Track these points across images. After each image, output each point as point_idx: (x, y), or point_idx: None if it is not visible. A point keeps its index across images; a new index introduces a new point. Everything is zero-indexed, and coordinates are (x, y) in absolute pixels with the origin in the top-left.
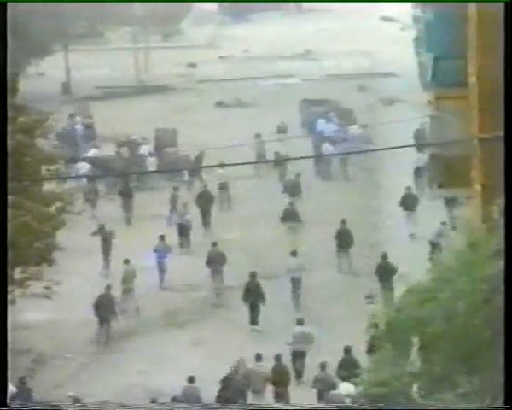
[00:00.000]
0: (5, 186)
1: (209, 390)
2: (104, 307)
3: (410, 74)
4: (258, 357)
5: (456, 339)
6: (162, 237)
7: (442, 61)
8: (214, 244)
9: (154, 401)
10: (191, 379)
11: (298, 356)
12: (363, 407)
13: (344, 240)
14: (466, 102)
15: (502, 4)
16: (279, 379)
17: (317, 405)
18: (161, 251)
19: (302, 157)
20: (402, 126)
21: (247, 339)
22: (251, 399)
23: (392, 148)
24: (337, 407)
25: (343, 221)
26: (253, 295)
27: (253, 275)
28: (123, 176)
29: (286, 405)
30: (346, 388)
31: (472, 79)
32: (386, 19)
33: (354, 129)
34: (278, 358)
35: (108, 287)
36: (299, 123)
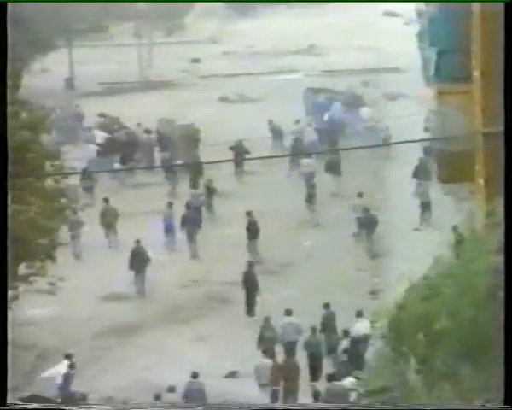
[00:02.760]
0: (5, 184)
1: (213, 386)
2: (137, 259)
3: (414, 69)
4: (265, 351)
5: (460, 335)
6: (170, 204)
7: (445, 56)
8: (188, 207)
9: (157, 397)
10: (195, 375)
11: (289, 347)
12: (363, 407)
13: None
14: (469, 97)
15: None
16: (288, 374)
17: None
18: (168, 218)
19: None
20: (405, 121)
21: (251, 334)
22: (259, 393)
23: (396, 143)
24: (337, 405)
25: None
26: (250, 284)
27: (250, 264)
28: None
29: (286, 404)
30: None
31: (476, 74)
32: (389, 13)
33: (364, 112)
34: (285, 354)
35: (138, 241)
36: (304, 113)
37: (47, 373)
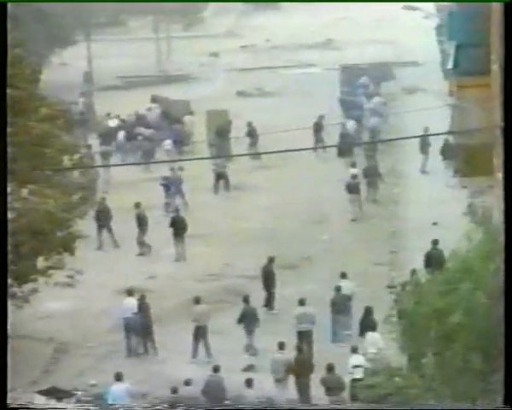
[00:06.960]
0: (5, 182)
1: (230, 379)
2: (102, 214)
3: (433, 63)
4: (281, 346)
5: (476, 330)
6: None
7: (464, 50)
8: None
9: (174, 391)
10: (216, 369)
11: (304, 336)
12: (363, 407)
13: None
14: (488, 91)
15: None
16: (301, 370)
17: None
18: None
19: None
20: (423, 115)
21: (268, 328)
22: (273, 387)
23: (414, 137)
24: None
25: None
26: (269, 280)
27: (270, 260)
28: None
29: (306, 404)
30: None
31: (494, 68)
32: (408, 7)
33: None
34: (300, 348)
35: (104, 199)
36: (338, 95)
37: (124, 302)
